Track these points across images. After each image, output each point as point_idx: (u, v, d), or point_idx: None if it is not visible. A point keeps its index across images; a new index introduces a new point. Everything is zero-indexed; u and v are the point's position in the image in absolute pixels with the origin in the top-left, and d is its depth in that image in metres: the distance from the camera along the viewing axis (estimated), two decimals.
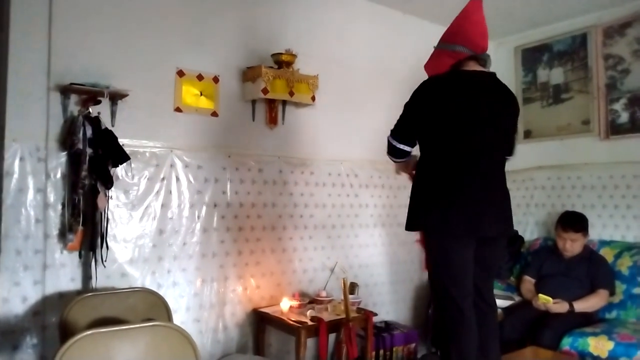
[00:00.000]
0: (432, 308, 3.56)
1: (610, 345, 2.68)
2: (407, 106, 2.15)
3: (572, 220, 3.24)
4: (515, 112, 2.18)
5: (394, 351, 3.21)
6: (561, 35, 3.84)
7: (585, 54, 3.70)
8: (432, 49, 2.20)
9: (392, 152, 2.21)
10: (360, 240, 3.45)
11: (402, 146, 2.15)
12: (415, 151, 2.21)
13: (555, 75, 3.89)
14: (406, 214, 2.16)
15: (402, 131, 2.15)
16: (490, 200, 2.04)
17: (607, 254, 3.31)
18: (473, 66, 2.08)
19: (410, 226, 2.15)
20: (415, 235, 2.29)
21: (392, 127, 2.18)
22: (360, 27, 3.48)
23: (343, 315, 2.76)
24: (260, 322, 2.89)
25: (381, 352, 3.14)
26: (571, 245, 3.20)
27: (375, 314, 3.02)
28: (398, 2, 3.50)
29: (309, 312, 2.75)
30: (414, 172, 2.24)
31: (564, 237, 3.22)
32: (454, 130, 2.01)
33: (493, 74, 2.13)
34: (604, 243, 3.43)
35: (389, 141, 2.19)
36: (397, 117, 2.17)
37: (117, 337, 1.64)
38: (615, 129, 3.53)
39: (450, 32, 2.12)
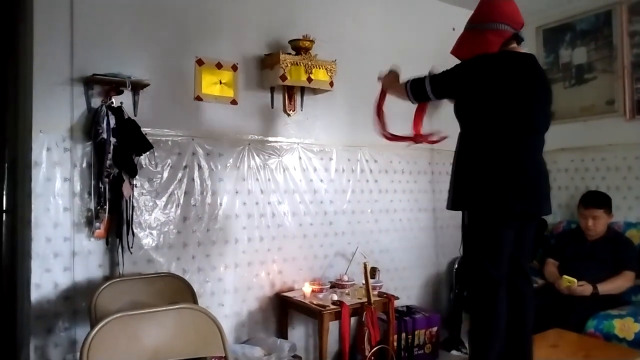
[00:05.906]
0: (454, 291, 3.57)
1: (636, 327, 2.65)
2: (462, 72, 2.08)
3: (593, 197, 3.25)
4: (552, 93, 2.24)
5: (416, 335, 3.22)
6: (584, 13, 3.74)
7: (610, 32, 3.60)
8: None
9: (417, 92, 2.17)
10: (380, 225, 3.46)
11: (432, 97, 2.14)
12: None
13: (578, 55, 3.80)
14: (448, 192, 2.18)
15: (442, 89, 2.13)
16: (543, 181, 2.13)
17: (634, 236, 3.25)
18: (517, 47, 2.11)
19: (456, 205, 2.15)
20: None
21: (435, 75, 2.14)
22: (376, 10, 3.45)
23: (364, 299, 2.78)
24: (283, 306, 2.93)
25: (403, 335, 3.16)
26: (594, 223, 3.16)
27: (397, 298, 3.04)
28: None
29: (331, 296, 2.78)
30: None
31: (585, 214, 3.19)
32: (514, 111, 2.01)
33: (534, 56, 2.16)
34: (630, 225, 3.36)
35: (424, 84, 2.13)
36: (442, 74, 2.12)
37: (145, 319, 1.69)
38: None
39: (487, 11, 2.09)
